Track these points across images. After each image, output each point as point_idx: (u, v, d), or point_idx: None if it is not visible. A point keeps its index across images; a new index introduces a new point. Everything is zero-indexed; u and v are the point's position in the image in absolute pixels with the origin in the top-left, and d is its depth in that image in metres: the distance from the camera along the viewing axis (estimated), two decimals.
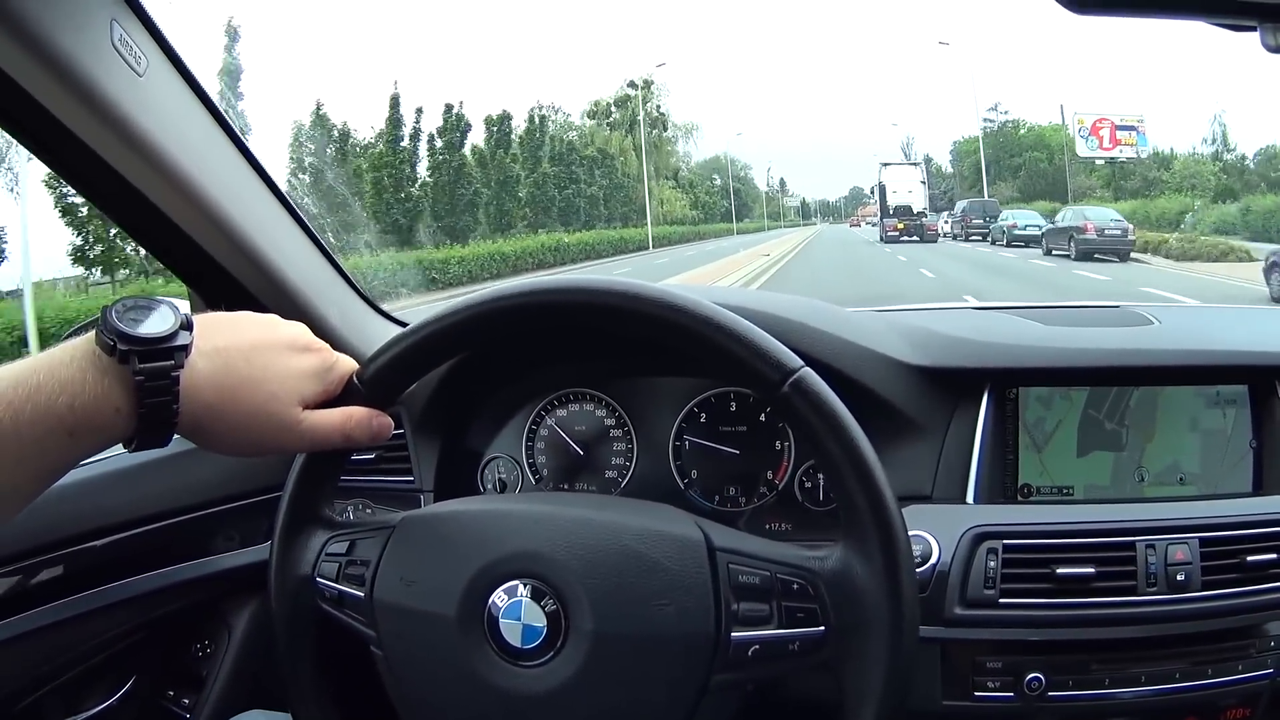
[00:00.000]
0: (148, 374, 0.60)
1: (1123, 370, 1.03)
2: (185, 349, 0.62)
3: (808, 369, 0.68)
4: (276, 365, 0.68)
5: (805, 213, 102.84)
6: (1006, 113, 52.35)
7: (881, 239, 34.08)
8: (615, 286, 0.71)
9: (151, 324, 0.61)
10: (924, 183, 39.03)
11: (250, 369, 0.67)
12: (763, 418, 1.10)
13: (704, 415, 1.11)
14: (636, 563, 0.68)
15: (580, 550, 0.69)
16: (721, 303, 0.70)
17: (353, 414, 0.71)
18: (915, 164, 42.87)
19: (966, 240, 31.18)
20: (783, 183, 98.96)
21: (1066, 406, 1.05)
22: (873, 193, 44.39)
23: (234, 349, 0.67)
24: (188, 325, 0.63)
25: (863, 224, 78.42)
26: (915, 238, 32.33)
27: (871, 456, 0.66)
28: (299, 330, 0.72)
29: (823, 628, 0.66)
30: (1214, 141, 34.70)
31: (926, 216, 35.62)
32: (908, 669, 0.65)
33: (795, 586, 0.67)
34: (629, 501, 0.77)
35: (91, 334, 0.61)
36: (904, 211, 35.68)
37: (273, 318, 0.72)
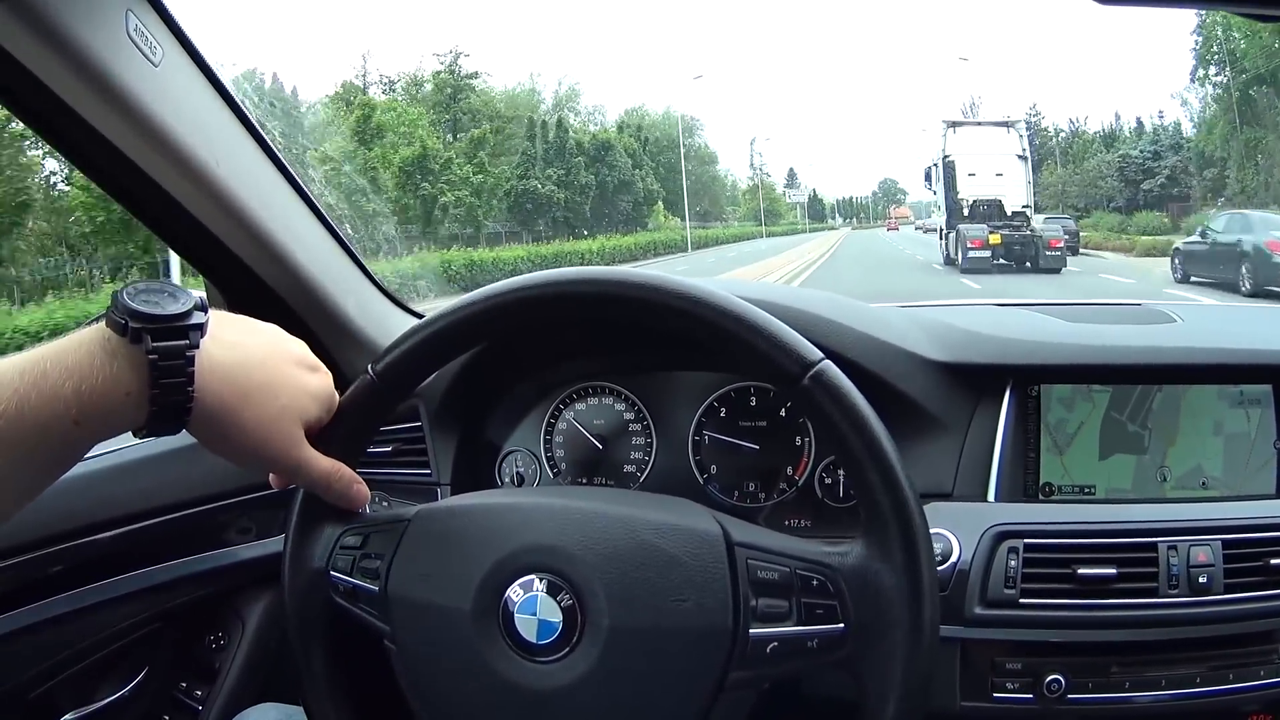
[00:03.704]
0: (161, 353, 0.59)
1: (1145, 368, 1.02)
2: (200, 329, 0.61)
3: (828, 361, 0.67)
4: (289, 377, 0.68)
5: (818, 212, 78.26)
6: None
7: (950, 261, 19.43)
8: (634, 278, 0.70)
9: (165, 303, 0.60)
10: (1024, 157, 21.43)
11: (266, 375, 0.66)
12: (783, 413, 1.09)
13: (724, 410, 1.10)
14: (654, 557, 0.67)
15: (597, 544, 0.68)
16: (742, 296, 0.69)
17: (342, 472, 0.72)
18: (1008, 123, 22.73)
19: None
20: (791, 174, 74.88)
21: (1088, 408, 1.03)
22: (929, 178, 23.44)
23: (250, 349, 0.66)
24: (202, 308, 0.62)
25: (900, 227, 61.80)
26: (1025, 264, 17.61)
27: (892, 451, 0.65)
28: (304, 347, 0.72)
29: (842, 625, 0.65)
30: None
31: (1031, 221, 19.70)
32: (928, 669, 0.64)
33: (815, 582, 0.66)
34: (646, 495, 0.77)
35: (102, 320, 0.60)
36: (990, 211, 19.43)
37: (277, 328, 0.71)
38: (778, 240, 46.74)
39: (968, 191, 20.91)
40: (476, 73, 37.91)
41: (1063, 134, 41.43)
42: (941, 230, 21.61)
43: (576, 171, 36.69)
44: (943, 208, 21.73)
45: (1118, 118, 39.60)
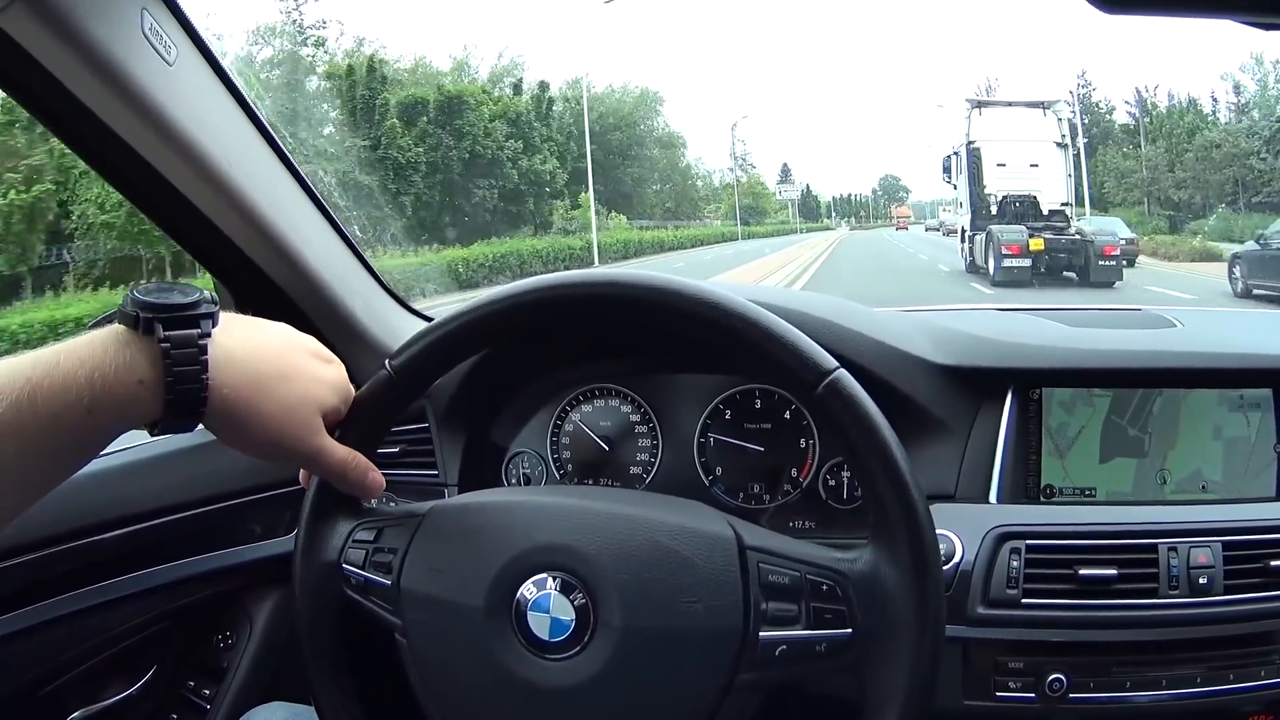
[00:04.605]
0: (174, 341, 0.59)
1: (1146, 372, 1.03)
2: (211, 317, 0.62)
3: (843, 370, 0.68)
4: (304, 367, 0.69)
5: (811, 210, 71.05)
6: None
7: (975, 269, 15.89)
8: (654, 281, 0.71)
9: (174, 297, 0.61)
10: (1063, 145, 17.18)
11: (280, 364, 0.67)
12: (787, 415, 1.10)
13: (729, 412, 1.11)
14: (667, 559, 0.68)
15: (611, 544, 0.69)
16: (756, 301, 0.70)
17: (359, 460, 0.72)
18: (1043, 104, 17.78)
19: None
20: (785, 170, 66.10)
21: (1089, 413, 1.04)
22: (948, 169, 18.98)
23: (262, 341, 0.67)
24: (212, 301, 0.63)
25: (910, 227, 56.75)
26: (1070, 274, 14.37)
27: (904, 461, 0.66)
28: (316, 341, 0.73)
29: (850, 630, 0.66)
30: None
31: (1072, 220, 16.11)
32: (932, 675, 0.66)
33: (824, 588, 0.67)
34: (660, 497, 0.77)
35: (115, 319, 0.61)
36: (1023, 209, 16.06)
37: (288, 326, 0.72)
38: (759, 244, 36.63)
39: (996, 185, 16.85)
40: (324, 21, 26.51)
41: (1113, 111, 33.40)
42: (963, 232, 17.41)
43: (390, 143, 23.27)
44: (966, 205, 17.26)
45: (1170, 96, 31.74)
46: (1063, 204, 16.55)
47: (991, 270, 14.45)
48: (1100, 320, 1.21)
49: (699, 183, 48.34)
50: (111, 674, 1.06)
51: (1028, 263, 14.02)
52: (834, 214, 77.50)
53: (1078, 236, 14.72)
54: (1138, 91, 32.33)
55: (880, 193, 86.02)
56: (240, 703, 1.10)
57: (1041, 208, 16.29)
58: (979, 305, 1.42)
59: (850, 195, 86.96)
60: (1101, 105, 34.11)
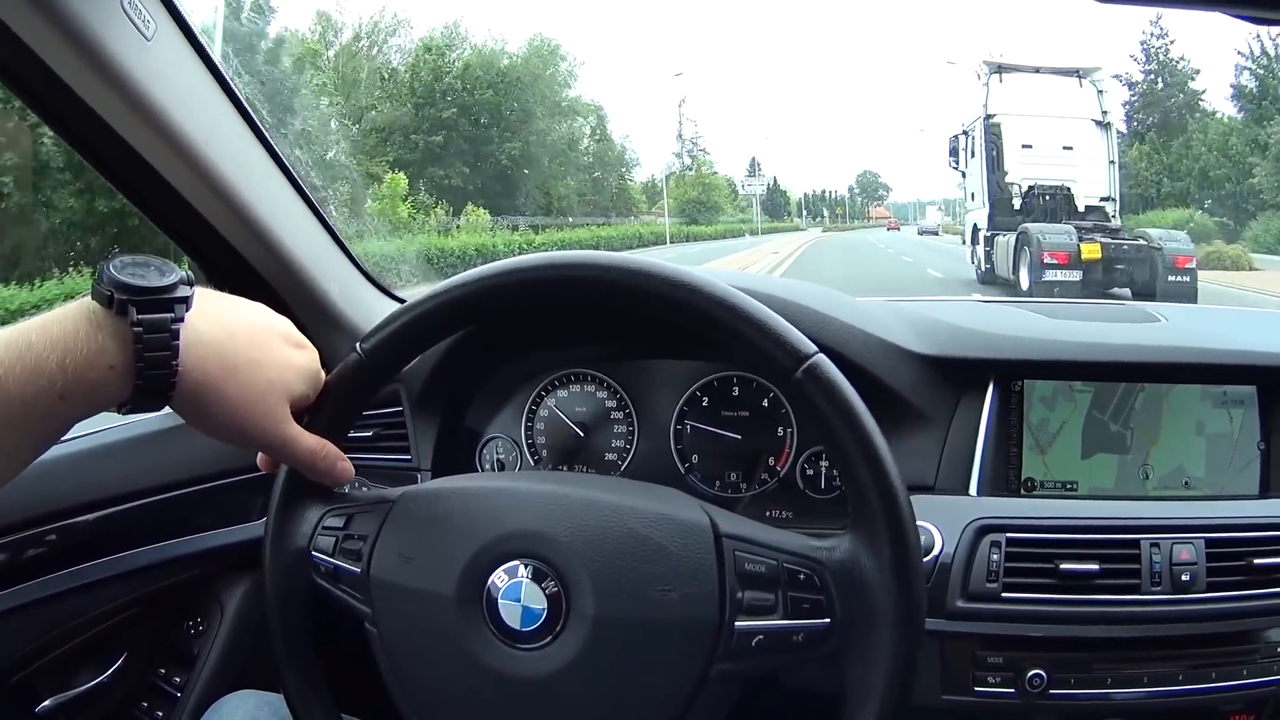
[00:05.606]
0: (146, 325, 0.58)
1: (1128, 366, 1.02)
2: (186, 302, 0.61)
3: (822, 355, 0.67)
4: (275, 352, 0.68)
5: (778, 207, 63.22)
6: None
7: (990, 280, 12.65)
8: (630, 264, 0.69)
9: (150, 277, 0.60)
10: (1104, 124, 13.50)
11: (251, 350, 0.66)
12: (765, 403, 1.09)
13: (706, 399, 1.10)
14: (641, 547, 0.67)
15: (584, 532, 0.67)
16: (737, 286, 0.69)
17: (328, 449, 0.71)
18: (1078, 72, 13.39)
19: None
20: (754, 164, 59.03)
21: (1070, 408, 1.04)
22: (957, 153, 14.34)
23: (236, 324, 0.66)
24: (188, 283, 0.61)
25: (902, 228, 52.90)
26: (1122, 289, 10.95)
27: (884, 448, 0.65)
28: (290, 325, 0.72)
29: (828, 620, 0.65)
30: None
31: (1115, 219, 12.90)
32: (912, 666, 0.65)
33: (802, 577, 0.66)
34: (635, 484, 0.76)
35: (88, 293, 0.59)
36: (1055, 203, 13.01)
37: (263, 306, 0.71)
38: (682, 250, 28.20)
39: (1020, 172, 13.22)
40: None
41: (1199, 74, 24.41)
42: (975, 231, 13.78)
43: None
44: (981, 196, 13.59)
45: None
46: (1102, 199, 13.16)
47: (1025, 283, 11.14)
48: (1084, 313, 1.20)
49: (628, 170, 39.08)
50: (82, 661, 1.05)
51: (1077, 275, 10.77)
52: (805, 212, 69.31)
53: (1142, 242, 11.33)
54: (1260, 39, 22.36)
55: (858, 190, 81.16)
56: (211, 690, 1.09)
57: (1076, 203, 13.05)
58: (961, 298, 1.42)
59: (824, 192, 79.14)
60: (1182, 64, 24.92)
